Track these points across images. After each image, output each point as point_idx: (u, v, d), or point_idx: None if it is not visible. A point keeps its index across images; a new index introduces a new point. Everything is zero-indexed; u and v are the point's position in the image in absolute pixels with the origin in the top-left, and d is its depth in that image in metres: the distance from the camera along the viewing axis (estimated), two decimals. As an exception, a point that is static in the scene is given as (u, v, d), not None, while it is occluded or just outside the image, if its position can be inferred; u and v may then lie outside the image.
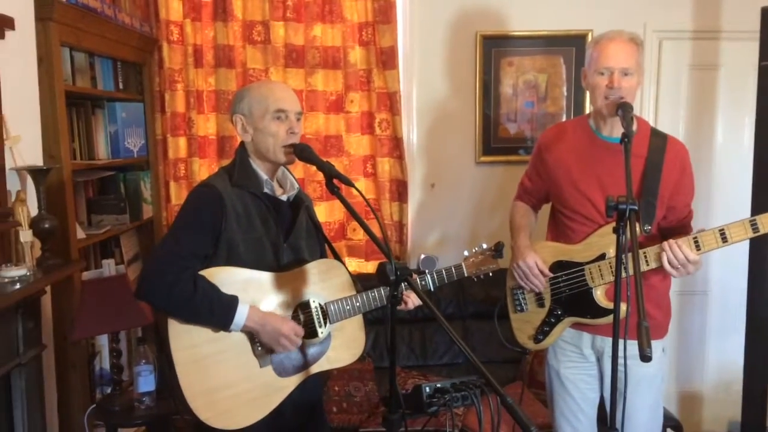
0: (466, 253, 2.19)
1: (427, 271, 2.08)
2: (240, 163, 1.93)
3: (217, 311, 1.78)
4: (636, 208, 1.73)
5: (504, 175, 3.52)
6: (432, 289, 2.10)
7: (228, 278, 1.83)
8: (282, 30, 3.34)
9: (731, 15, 3.48)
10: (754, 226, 1.98)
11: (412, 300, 2.01)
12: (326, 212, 3.47)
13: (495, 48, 3.52)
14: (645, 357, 1.46)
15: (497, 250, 2.16)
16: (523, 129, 3.60)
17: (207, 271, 1.82)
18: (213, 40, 3.35)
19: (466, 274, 2.14)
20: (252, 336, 1.85)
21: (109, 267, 2.64)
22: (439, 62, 3.54)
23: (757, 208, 2.82)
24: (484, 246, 2.18)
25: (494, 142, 3.60)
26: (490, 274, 2.19)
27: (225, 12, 3.30)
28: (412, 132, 3.57)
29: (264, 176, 1.93)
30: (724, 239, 2.00)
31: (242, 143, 1.98)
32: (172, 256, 1.79)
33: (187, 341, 1.80)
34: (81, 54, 2.89)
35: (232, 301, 1.79)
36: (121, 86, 3.21)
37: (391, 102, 3.41)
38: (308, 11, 3.34)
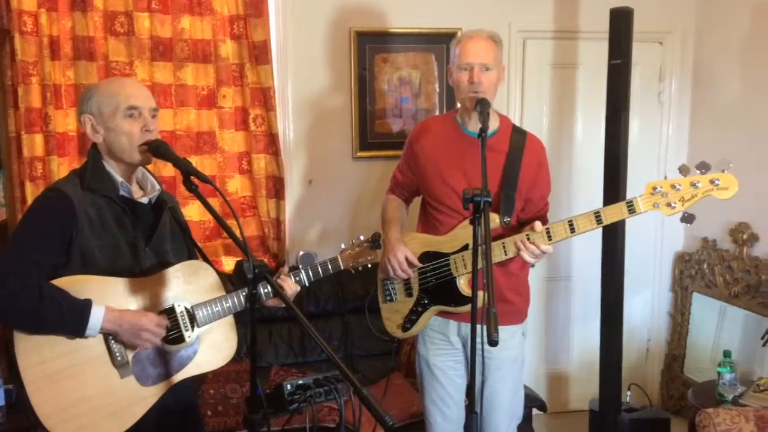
0: (342, 245, 2.20)
1: (300, 266, 2.07)
2: (92, 166, 1.84)
3: (69, 317, 1.69)
4: (490, 200, 1.80)
5: (381, 170, 3.57)
6: (308, 285, 2.09)
7: (83, 287, 1.73)
8: (147, 21, 3.20)
9: (587, 16, 3.70)
10: (598, 218, 2.12)
11: (288, 289, 1.98)
12: (202, 211, 3.37)
13: (369, 44, 3.55)
14: (492, 342, 1.53)
15: (374, 241, 2.18)
16: (399, 124, 3.66)
17: (59, 280, 1.72)
18: (71, 31, 3.15)
19: (342, 267, 2.14)
20: (110, 346, 1.76)
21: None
22: (314, 58, 3.53)
23: (608, 199, 3.03)
24: (361, 238, 2.20)
25: (371, 137, 3.64)
26: (369, 266, 2.20)
27: (84, 2, 3.12)
28: (288, 128, 3.54)
29: (119, 178, 1.85)
30: (572, 230, 2.14)
31: (94, 144, 1.87)
32: (12, 265, 1.68)
33: (37, 357, 1.69)
34: None
35: (85, 305, 1.70)
36: (-34, 79, 2.97)
37: (265, 97, 3.37)
38: (175, 3, 3.22)
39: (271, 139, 3.42)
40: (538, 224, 2.15)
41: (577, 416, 3.78)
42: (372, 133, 3.63)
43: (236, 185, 3.45)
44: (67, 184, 1.82)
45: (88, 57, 3.16)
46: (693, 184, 2.03)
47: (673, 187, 2.05)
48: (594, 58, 3.61)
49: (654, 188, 2.06)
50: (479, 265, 1.82)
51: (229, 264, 3.43)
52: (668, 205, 2.06)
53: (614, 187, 3.03)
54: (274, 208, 3.48)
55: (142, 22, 3.19)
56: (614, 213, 2.11)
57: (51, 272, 1.72)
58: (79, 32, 3.15)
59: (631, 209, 2.08)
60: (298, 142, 3.58)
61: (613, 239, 3.07)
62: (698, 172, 2.04)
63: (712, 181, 2.02)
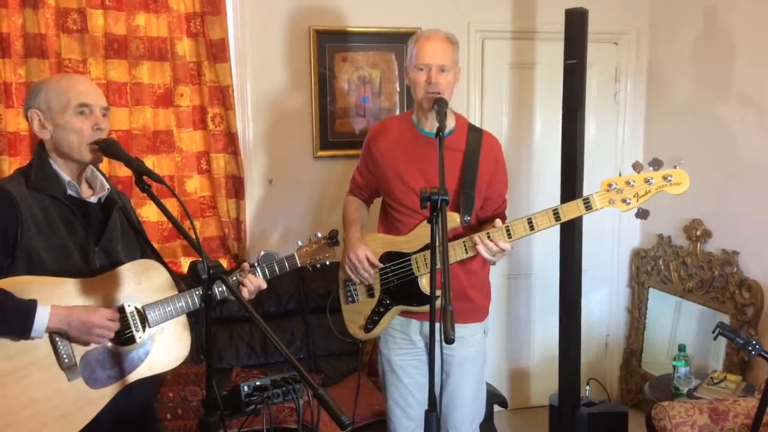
0: (300, 242, 2.18)
1: (257, 264, 2.05)
2: (38, 164, 1.78)
3: (11, 319, 1.63)
4: (447, 198, 1.81)
5: (342, 169, 3.55)
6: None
7: (27, 288, 1.68)
8: (101, 18, 3.12)
9: (544, 17, 3.75)
10: (557, 215, 2.15)
11: (249, 289, 1.95)
12: (158, 212, 3.22)
13: (329, 43, 3.54)
14: (448, 339, 1.53)
15: (332, 237, 2.17)
16: (360, 123, 3.65)
17: (3, 281, 1.66)
18: (22, 28, 3.05)
19: (299, 264, 2.11)
20: (57, 348, 1.71)
21: None
22: (273, 56, 3.49)
23: (565, 197, 3.07)
24: (318, 235, 2.18)
25: (332, 136, 3.62)
26: (327, 263, 2.19)
27: (35, -2, 3.04)
28: (247, 127, 3.50)
29: (66, 177, 1.80)
30: (532, 227, 2.16)
31: (41, 142, 1.82)
32: None
33: None
34: None
35: (29, 305, 1.65)
36: None
37: (223, 96, 3.32)
38: (129, 0, 3.16)
39: (230, 138, 3.38)
40: (498, 221, 2.17)
41: (538, 412, 3.82)
42: (333, 132, 3.62)
43: (195, 185, 3.39)
44: (11, 182, 1.76)
45: (39, 55, 3.07)
46: (647, 181, 2.07)
47: (627, 183, 2.09)
48: (551, 58, 3.65)
49: (609, 185, 2.10)
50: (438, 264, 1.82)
51: (187, 265, 3.37)
52: (623, 201, 2.09)
53: (571, 185, 3.07)
54: (234, 208, 3.43)
55: (95, 20, 3.12)
56: (572, 210, 2.14)
57: None
58: (30, 29, 3.05)
59: (588, 206, 2.11)
60: (257, 142, 3.54)
61: (571, 236, 3.11)
62: (651, 168, 2.08)
63: (665, 177, 2.07)
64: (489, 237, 2.15)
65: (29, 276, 1.70)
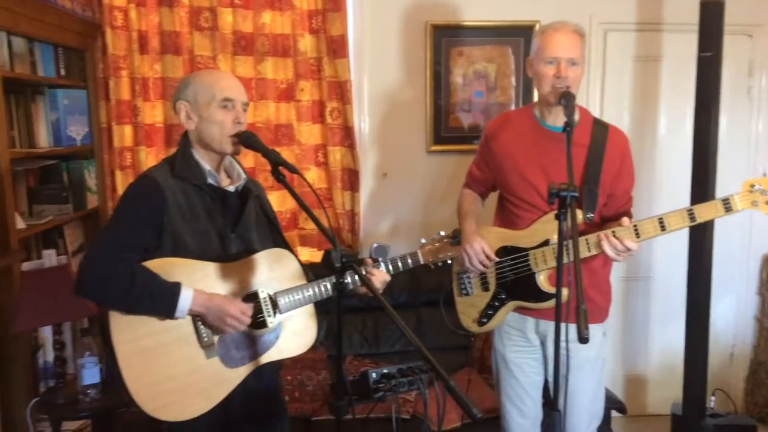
0: (423, 240, 2.18)
1: (380, 259, 2.08)
2: (182, 154, 1.90)
3: (159, 299, 1.76)
4: (576, 194, 1.77)
5: (455, 164, 3.55)
6: None
7: (173, 269, 1.80)
8: (230, 16, 3.28)
9: (672, 7, 3.57)
10: (692, 216, 2.04)
11: (377, 279, 1.99)
12: (277, 202, 3.44)
13: (445, 38, 3.53)
14: (583, 339, 1.49)
15: (455, 237, 2.15)
16: (473, 118, 3.63)
17: (151, 262, 1.79)
18: (158, 26, 3.27)
19: (422, 262, 2.12)
20: (198, 327, 1.82)
21: (50, 258, 2.57)
22: (390, 51, 3.53)
23: (696, 196, 2.91)
24: (442, 233, 2.16)
25: (445, 131, 3.62)
26: (449, 262, 2.18)
27: (171, -3, 3.23)
28: (363, 121, 3.57)
29: (207, 167, 1.90)
30: (663, 228, 2.06)
31: (186, 133, 1.94)
32: (106, 249, 1.76)
33: (130, 334, 1.77)
34: (19, 39, 2.79)
35: (174, 288, 1.76)
36: (62, 72, 3.11)
37: (341, 91, 3.40)
38: (256, -2, 3.30)
39: (347, 132, 3.45)
40: (625, 219, 2.09)
41: (658, 420, 3.66)
42: (446, 127, 3.62)
43: (312, 177, 3.50)
44: (158, 171, 1.88)
45: (174, 51, 3.27)
46: (794, 183, 1.93)
47: (772, 184, 1.95)
48: (679, 50, 3.48)
49: (752, 186, 1.97)
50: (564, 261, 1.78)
51: (304, 254, 3.49)
52: (767, 203, 1.96)
53: (703, 184, 2.91)
54: (348, 201, 3.51)
55: (225, 17, 3.28)
56: (709, 211, 2.02)
57: (143, 256, 1.79)
58: (166, 27, 3.26)
59: (728, 207, 2.00)
60: (372, 135, 3.60)
61: (702, 239, 2.95)
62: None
63: (815, 179, 1.92)
64: (614, 235, 2.08)
65: (174, 258, 1.81)
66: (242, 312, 1.82)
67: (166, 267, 1.79)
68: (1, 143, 2.48)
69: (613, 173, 2.23)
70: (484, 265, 2.26)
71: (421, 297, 3.39)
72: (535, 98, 3.44)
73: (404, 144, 3.61)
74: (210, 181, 1.90)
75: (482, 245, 2.25)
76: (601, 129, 2.27)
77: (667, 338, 3.66)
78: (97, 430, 2.76)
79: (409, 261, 2.10)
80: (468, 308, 2.38)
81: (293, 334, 1.95)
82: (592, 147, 2.23)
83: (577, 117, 2.26)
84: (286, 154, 3.45)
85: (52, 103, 2.98)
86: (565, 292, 1.87)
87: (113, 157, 3.28)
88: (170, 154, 1.99)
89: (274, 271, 1.93)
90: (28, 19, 2.67)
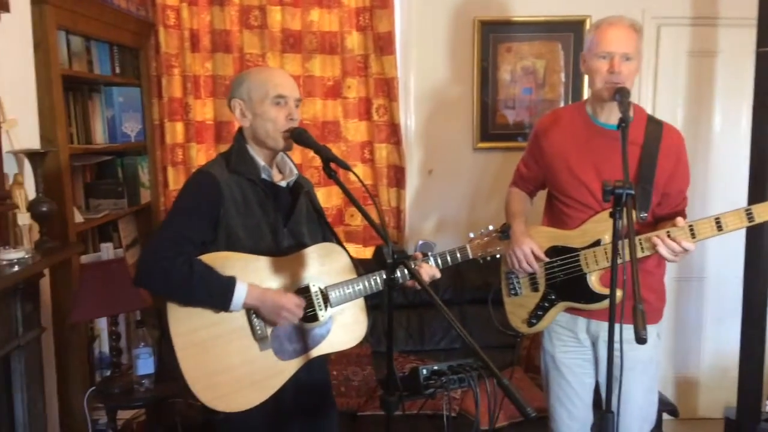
0: (471, 234, 2.17)
1: (430, 254, 2.08)
2: (237, 150, 1.94)
3: (215, 293, 1.79)
4: (633, 192, 1.73)
5: (501, 161, 3.53)
6: None
7: (227, 262, 1.83)
8: (279, 15, 3.32)
9: (729, 1, 3.47)
10: (750, 216, 1.98)
11: (425, 274, 1.99)
12: (324, 198, 3.47)
13: (493, 33, 3.51)
14: (640, 339, 1.47)
15: (503, 231, 2.14)
16: (520, 115, 3.59)
17: (206, 256, 1.83)
18: (209, 24, 3.33)
19: (471, 256, 2.11)
20: (252, 320, 1.86)
21: (107, 251, 2.64)
22: (437, 48, 3.52)
23: (754, 196, 2.83)
24: (490, 228, 2.15)
25: (492, 128, 3.59)
26: (497, 257, 2.16)
27: (221, -4, 3.29)
28: (409, 118, 3.57)
29: (261, 162, 1.93)
30: (720, 228, 2.01)
31: (240, 129, 1.97)
32: (167, 241, 1.80)
33: (187, 326, 1.82)
34: (77, 38, 2.88)
35: (229, 282, 1.80)
36: (117, 71, 3.20)
37: (388, 88, 3.41)
38: (305, -4, 3.33)
39: (393, 129, 3.46)
40: (680, 219, 2.04)
41: (710, 424, 3.58)
42: (493, 124, 3.59)
43: (358, 174, 3.49)
44: (214, 166, 1.92)
45: (224, 49, 3.33)
46: None
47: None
48: (736, 45, 3.39)
49: (816, 184, 1.91)
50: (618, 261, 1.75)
51: (349, 251, 3.50)
52: (830, 202, 1.89)
53: (762, 183, 2.82)
54: (394, 197, 3.52)
55: (274, 16, 3.32)
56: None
57: (200, 249, 1.83)
58: (217, 26, 3.32)
59: (788, 207, 1.93)
60: (418, 132, 3.60)
61: (759, 240, 2.87)
62: None
63: None
64: (669, 236, 2.03)
65: (228, 252, 1.85)
66: (296, 305, 1.85)
67: (220, 260, 1.83)
68: (61, 139, 2.56)
69: (667, 173, 2.18)
70: (532, 266, 2.24)
71: (466, 295, 3.37)
72: (585, 95, 3.42)
73: (450, 141, 3.60)
74: (264, 176, 1.93)
75: (532, 246, 2.23)
76: (655, 127, 2.22)
77: (720, 340, 3.57)
78: (150, 419, 2.84)
79: (458, 255, 2.09)
80: (517, 308, 2.36)
81: (344, 327, 1.97)
82: (646, 145, 2.18)
83: (631, 113, 2.21)
84: (333, 150, 3.47)
85: (107, 101, 3.08)
86: (618, 293, 1.83)
87: (165, 153, 3.35)
88: (220, 150, 2.03)
89: (324, 266, 1.96)
90: (86, 19, 2.75)
